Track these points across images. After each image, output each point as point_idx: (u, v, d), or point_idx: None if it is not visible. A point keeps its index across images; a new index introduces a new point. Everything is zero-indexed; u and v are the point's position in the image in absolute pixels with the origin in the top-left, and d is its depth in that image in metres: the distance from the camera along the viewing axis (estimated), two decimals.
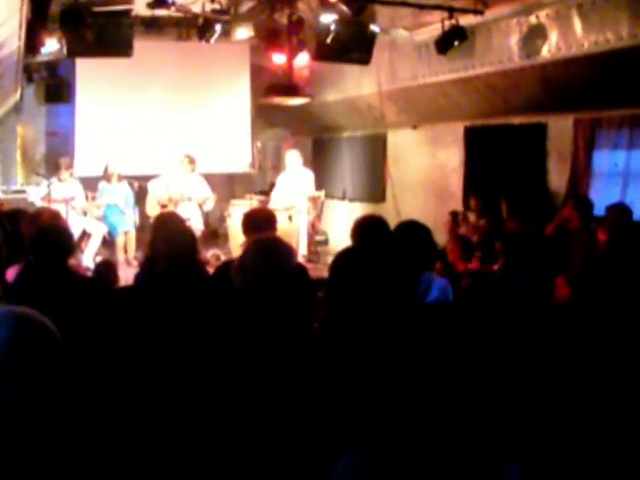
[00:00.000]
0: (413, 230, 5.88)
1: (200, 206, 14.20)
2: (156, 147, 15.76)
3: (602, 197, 10.11)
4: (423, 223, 5.95)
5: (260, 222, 6.78)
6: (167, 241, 6.03)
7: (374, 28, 11.66)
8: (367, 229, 6.41)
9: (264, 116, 17.47)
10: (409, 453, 2.76)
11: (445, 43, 10.77)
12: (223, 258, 12.65)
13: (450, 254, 9.17)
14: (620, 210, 8.91)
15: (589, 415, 3.64)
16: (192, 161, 14.10)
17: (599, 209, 9.39)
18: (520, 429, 3.38)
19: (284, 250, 4.36)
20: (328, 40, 11.19)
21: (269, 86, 14.20)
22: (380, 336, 3.98)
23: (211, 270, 6.92)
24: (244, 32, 13.47)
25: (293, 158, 14.52)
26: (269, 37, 13.18)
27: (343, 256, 6.45)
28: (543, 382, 3.78)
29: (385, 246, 5.94)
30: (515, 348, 3.94)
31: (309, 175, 14.56)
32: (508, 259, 5.16)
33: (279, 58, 13.36)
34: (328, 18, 11.19)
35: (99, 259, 12.35)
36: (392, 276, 4.88)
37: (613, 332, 4.30)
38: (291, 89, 13.86)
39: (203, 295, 5.59)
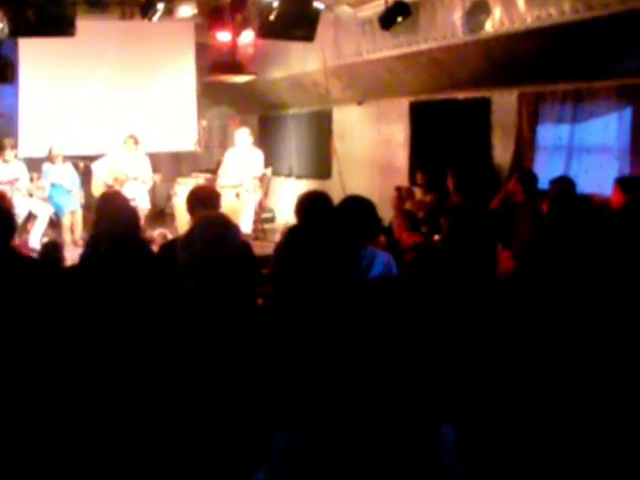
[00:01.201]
0: (356, 204, 5.82)
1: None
2: (101, 127, 15.43)
3: (546, 171, 10.15)
4: (366, 197, 5.91)
5: (204, 200, 6.75)
6: (109, 220, 5.96)
7: (318, 5, 11.47)
8: (309, 205, 6.39)
9: (210, 94, 17.23)
10: (346, 427, 2.69)
11: (389, 19, 10.63)
12: (170, 237, 12.46)
13: (396, 230, 9.09)
14: (563, 183, 8.84)
15: (528, 382, 3.69)
16: (136, 141, 13.91)
17: (543, 183, 9.35)
18: (455, 393, 3.37)
19: (229, 227, 4.31)
20: (271, 17, 10.99)
21: (213, 64, 14.07)
22: (321, 311, 3.92)
23: (156, 249, 6.84)
24: (188, 10, 13.35)
25: (243, 136, 14.29)
26: (212, 15, 13.06)
27: (289, 232, 6.37)
28: (482, 351, 3.79)
29: (328, 221, 5.87)
30: (454, 319, 3.88)
31: (258, 154, 14.35)
32: (449, 232, 4.98)
33: (223, 36, 13.20)
34: None
35: (46, 240, 12.11)
36: (334, 251, 4.68)
37: (554, 305, 4.33)
38: (235, 67, 13.73)
39: (144, 273, 5.49)
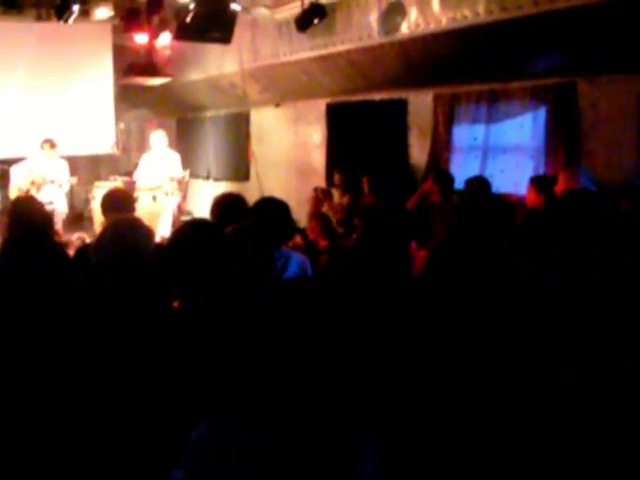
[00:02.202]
0: (270, 206, 5.86)
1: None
2: (18, 131, 14.93)
3: (462, 171, 10.13)
4: (280, 199, 5.94)
5: (118, 203, 6.74)
6: (22, 224, 5.90)
7: (235, 7, 11.28)
8: (224, 207, 6.34)
9: (128, 97, 16.85)
10: (266, 422, 2.69)
11: (305, 21, 10.51)
12: (88, 240, 12.18)
13: (311, 232, 8.98)
14: (479, 183, 8.85)
15: (443, 389, 3.70)
16: (53, 145, 13.47)
17: (459, 183, 9.33)
18: (374, 404, 3.35)
19: (141, 230, 4.36)
20: (188, 19, 10.78)
21: (129, 66, 13.90)
22: (235, 312, 3.93)
23: (73, 252, 6.69)
24: (104, 12, 13.02)
25: (158, 139, 13.97)
26: (129, 17, 12.79)
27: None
28: (399, 355, 3.81)
29: (242, 222, 5.62)
30: (369, 321, 3.92)
31: (175, 156, 14.06)
32: (362, 233, 5.15)
33: (141, 38, 12.97)
34: None
35: None
36: (248, 252, 4.85)
37: (465, 305, 4.30)
38: (151, 69, 13.58)
39: (56, 277, 5.31)
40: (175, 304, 4.44)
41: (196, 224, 4.85)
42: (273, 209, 5.80)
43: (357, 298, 4.19)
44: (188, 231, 4.47)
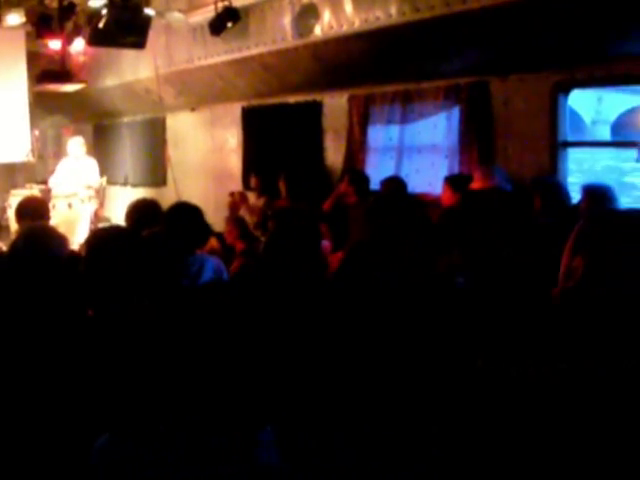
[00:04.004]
0: (183, 211, 5.82)
1: None
2: None
3: (378, 171, 9.97)
4: (193, 203, 5.92)
5: (32, 210, 6.78)
6: None
7: (148, 11, 10.94)
8: (139, 212, 6.41)
9: (43, 103, 16.29)
10: (162, 430, 2.69)
11: (218, 25, 10.24)
12: (4, 249, 11.78)
13: (228, 236, 8.83)
14: (394, 183, 8.81)
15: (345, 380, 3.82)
16: None
17: (375, 183, 9.26)
18: (269, 396, 3.40)
19: (54, 237, 4.45)
20: (101, 25, 10.39)
21: (42, 73, 13.50)
22: (149, 315, 3.70)
23: None
24: (15, 18, 12.59)
25: (75, 145, 13.63)
26: (40, 23, 12.28)
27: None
28: (308, 353, 3.91)
29: (155, 228, 5.86)
30: (279, 323, 3.97)
31: (92, 163, 13.72)
32: (270, 235, 5.07)
33: (54, 44, 12.53)
34: (97, 2, 10.38)
35: None
36: (161, 258, 5.02)
37: (378, 302, 4.38)
38: (64, 75, 13.19)
39: None
40: (90, 311, 4.31)
41: (110, 230, 4.93)
42: (185, 214, 5.74)
43: (266, 300, 4.18)
44: (102, 238, 4.44)
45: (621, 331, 4.50)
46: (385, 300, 4.37)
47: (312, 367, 3.85)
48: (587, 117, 45.53)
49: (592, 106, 45.75)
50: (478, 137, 8.88)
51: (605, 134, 45.44)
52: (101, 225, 14.29)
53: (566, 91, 8.38)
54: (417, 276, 4.76)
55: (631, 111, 49.89)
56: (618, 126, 47.72)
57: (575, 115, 42.26)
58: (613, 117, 48.41)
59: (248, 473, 2.66)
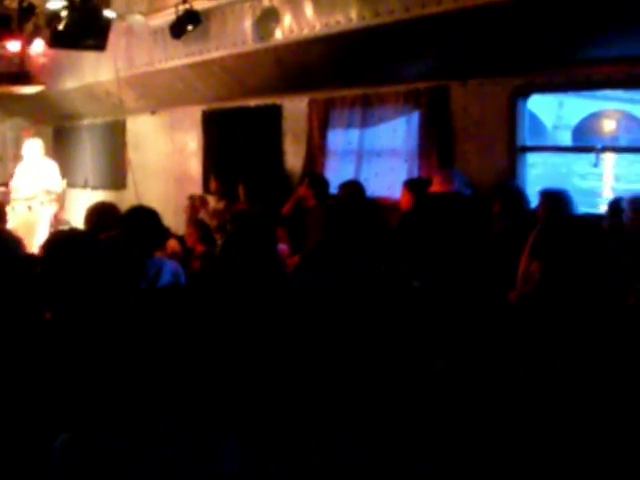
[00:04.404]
0: (139, 214, 5.84)
1: None
2: None
3: (337, 175, 9.95)
4: (150, 207, 5.97)
5: None
6: None
7: (109, 14, 10.84)
8: (97, 216, 6.40)
9: (3, 105, 16.23)
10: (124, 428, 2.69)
11: (179, 28, 10.17)
12: None
13: (188, 239, 8.78)
14: (353, 187, 8.82)
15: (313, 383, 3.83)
16: None
17: (334, 187, 9.22)
18: (235, 404, 3.39)
19: (8, 240, 4.58)
20: (61, 27, 10.29)
21: (1, 75, 13.33)
22: (105, 321, 3.83)
23: None
24: None
25: (33, 148, 13.47)
26: None
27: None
28: (267, 358, 3.91)
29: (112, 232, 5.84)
30: (233, 323, 3.97)
31: (51, 165, 13.58)
32: (226, 239, 5.20)
33: (14, 45, 12.38)
34: (57, 4, 10.27)
35: None
36: (118, 261, 4.91)
37: (334, 303, 4.40)
38: (24, 77, 13.04)
39: None
40: (47, 315, 4.28)
41: (67, 234, 4.93)
42: (143, 217, 5.76)
43: (222, 303, 4.23)
44: (58, 241, 4.42)
45: (578, 335, 4.53)
46: (339, 302, 4.36)
47: (270, 370, 3.86)
48: (548, 122, 45.80)
49: (553, 111, 46.05)
50: (437, 141, 8.87)
51: (566, 139, 45.79)
52: (60, 228, 14.23)
53: (525, 96, 8.40)
54: (372, 279, 4.75)
55: (592, 116, 50.34)
56: (579, 131, 48.10)
57: (536, 120, 42.48)
58: (574, 122, 48.80)
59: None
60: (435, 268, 5.30)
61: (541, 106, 42.84)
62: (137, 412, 2.68)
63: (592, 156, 8.15)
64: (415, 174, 9.03)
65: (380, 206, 8.80)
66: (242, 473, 2.79)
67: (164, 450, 2.60)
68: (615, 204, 6.45)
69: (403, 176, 9.06)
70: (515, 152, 8.35)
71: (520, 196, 7.56)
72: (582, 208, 7.74)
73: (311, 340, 4.06)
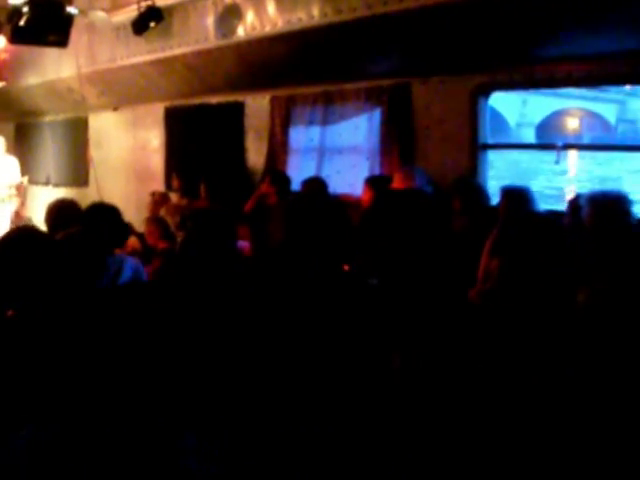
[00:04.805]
0: (100, 211, 5.80)
1: None
2: None
3: (299, 172, 9.92)
4: (111, 204, 5.94)
5: None
6: None
7: (71, 10, 10.72)
8: (57, 213, 6.33)
9: None
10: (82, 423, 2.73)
11: (141, 24, 10.08)
12: None
13: (149, 236, 8.72)
14: (315, 184, 8.78)
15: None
16: None
17: (296, 184, 9.21)
18: (193, 400, 3.44)
19: None
20: (22, 23, 10.17)
21: None
22: (65, 318, 3.83)
23: None
24: None
25: None
26: None
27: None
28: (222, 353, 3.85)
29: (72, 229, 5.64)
30: (191, 320, 3.94)
31: (13, 162, 13.44)
32: (185, 237, 5.23)
33: None
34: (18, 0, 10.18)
35: None
36: (78, 258, 4.86)
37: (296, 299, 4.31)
38: None
39: None
40: (9, 312, 4.19)
41: (23, 231, 4.70)
42: (103, 214, 5.72)
43: (181, 300, 4.16)
44: (14, 239, 4.28)
45: (535, 331, 4.56)
46: (297, 299, 4.28)
47: (228, 366, 3.80)
48: (512, 120, 46.16)
49: (517, 109, 46.44)
50: (399, 139, 8.87)
51: (530, 136, 46.15)
52: (21, 224, 14.11)
53: (486, 94, 8.42)
54: (330, 276, 4.75)
55: (555, 114, 50.74)
56: (542, 128, 48.48)
57: (500, 117, 42.81)
58: (538, 120, 49.17)
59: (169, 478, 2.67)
60: (394, 265, 5.28)
61: (505, 104, 43.18)
62: (98, 406, 2.70)
63: (562, 153, 8.20)
64: (376, 171, 9.05)
65: (342, 203, 8.80)
66: (201, 470, 2.82)
67: (120, 445, 2.61)
68: (575, 202, 6.48)
69: (364, 173, 9.06)
70: (476, 149, 8.38)
71: (480, 193, 7.59)
72: (546, 206, 7.78)
73: (269, 336, 3.98)
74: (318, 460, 3.51)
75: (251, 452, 3.39)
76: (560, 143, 8.20)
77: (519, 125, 46.83)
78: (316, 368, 3.89)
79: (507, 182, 7.72)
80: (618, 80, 8.16)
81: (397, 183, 7.76)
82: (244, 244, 7.78)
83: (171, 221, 9.86)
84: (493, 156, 8.82)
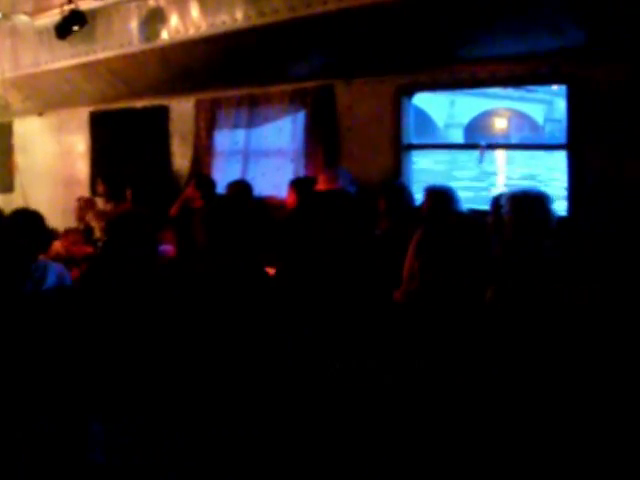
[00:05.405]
0: (22, 218, 5.77)
1: None
2: None
3: (224, 175, 9.88)
4: (34, 210, 5.90)
5: None
6: None
7: None
8: None
9: None
10: None
11: (64, 28, 9.93)
12: None
13: (71, 246, 8.70)
14: (240, 187, 8.82)
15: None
16: None
17: (222, 187, 9.16)
18: (100, 387, 3.51)
19: None
20: None
21: None
22: None
23: None
24: None
25: None
26: None
27: None
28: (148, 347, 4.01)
29: None
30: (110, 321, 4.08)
31: None
32: (105, 240, 5.21)
33: None
34: None
35: None
36: (2, 264, 5.09)
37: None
38: None
39: None
40: None
41: None
42: (26, 220, 5.71)
43: (101, 304, 4.27)
44: None
45: (460, 330, 4.61)
46: (217, 300, 4.50)
47: (139, 363, 3.91)
48: (440, 120, 46.57)
49: (445, 110, 46.84)
50: (323, 140, 8.89)
51: (458, 137, 46.58)
52: None
53: (409, 94, 8.46)
54: (251, 277, 4.78)
55: (483, 114, 51.28)
56: (470, 129, 48.95)
57: (427, 118, 43.19)
58: (466, 120, 49.63)
59: (76, 470, 2.72)
60: (317, 267, 5.30)
61: (433, 105, 43.59)
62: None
63: (489, 153, 8.26)
64: (301, 173, 9.04)
65: (267, 205, 8.79)
66: (110, 463, 2.90)
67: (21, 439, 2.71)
68: (497, 200, 6.53)
69: (289, 175, 9.04)
70: (400, 150, 8.41)
71: (405, 194, 7.60)
72: (472, 205, 7.82)
73: (181, 335, 4.13)
74: (228, 449, 3.55)
75: (161, 445, 3.44)
76: (483, 143, 8.24)
77: (447, 126, 47.21)
78: (227, 365, 4.04)
79: (433, 182, 7.76)
80: (540, 80, 8.25)
81: (321, 185, 7.76)
82: (168, 248, 7.73)
83: (97, 226, 9.77)
84: (418, 156, 8.86)
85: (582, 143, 7.05)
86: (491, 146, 8.88)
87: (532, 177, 31.49)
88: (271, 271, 5.52)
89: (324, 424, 3.98)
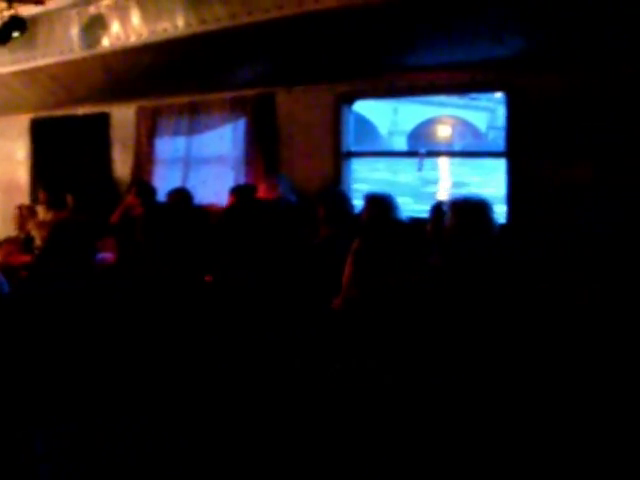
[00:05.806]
0: None
1: None
2: None
3: (165, 183, 9.84)
4: None
5: None
6: None
7: None
8: None
9: None
10: None
11: (4, 34, 9.72)
12: None
13: (8, 256, 8.64)
14: (180, 194, 8.73)
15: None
16: None
17: (162, 195, 9.13)
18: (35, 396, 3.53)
19: None
20: None
21: None
22: None
23: None
24: None
25: None
26: None
27: None
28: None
29: None
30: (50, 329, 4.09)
31: None
32: (43, 247, 5.07)
33: None
34: None
35: None
36: None
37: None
38: None
39: None
40: None
41: None
42: None
43: (39, 311, 4.25)
44: None
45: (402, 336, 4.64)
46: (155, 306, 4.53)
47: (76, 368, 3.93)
48: (383, 128, 46.67)
49: (388, 117, 46.91)
50: (263, 148, 8.90)
51: (402, 144, 46.66)
52: None
53: (349, 102, 8.50)
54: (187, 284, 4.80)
55: (427, 122, 51.48)
56: (414, 137, 49.10)
57: (370, 126, 43.30)
58: (410, 128, 49.78)
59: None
60: (253, 273, 5.33)
61: (376, 113, 43.69)
62: None
63: (432, 161, 8.31)
64: (241, 180, 9.05)
65: (208, 213, 8.78)
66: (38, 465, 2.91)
67: None
68: (437, 207, 6.57)
69: (230, 183, 9.02)
70: (340, 157, 8.44)
71: (344, 201, 7.61)
72: (414, 213, 7.86)
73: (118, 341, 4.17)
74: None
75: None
76: (423, 150, 8.30)
77: (391, 133, 47.30)
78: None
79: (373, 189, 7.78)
80: (479, 87, 8.36)
81: (261, 192, 7.79)
82: (108, 255, 7.69)
83: (37, 235, 9.69)
84: (359, 164, 8.89)
85: (520, 150, 7.13)
86: (431, 153, 8.95)
87: (473, 185, 31.69)
88: (209, 278, 5.52)
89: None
